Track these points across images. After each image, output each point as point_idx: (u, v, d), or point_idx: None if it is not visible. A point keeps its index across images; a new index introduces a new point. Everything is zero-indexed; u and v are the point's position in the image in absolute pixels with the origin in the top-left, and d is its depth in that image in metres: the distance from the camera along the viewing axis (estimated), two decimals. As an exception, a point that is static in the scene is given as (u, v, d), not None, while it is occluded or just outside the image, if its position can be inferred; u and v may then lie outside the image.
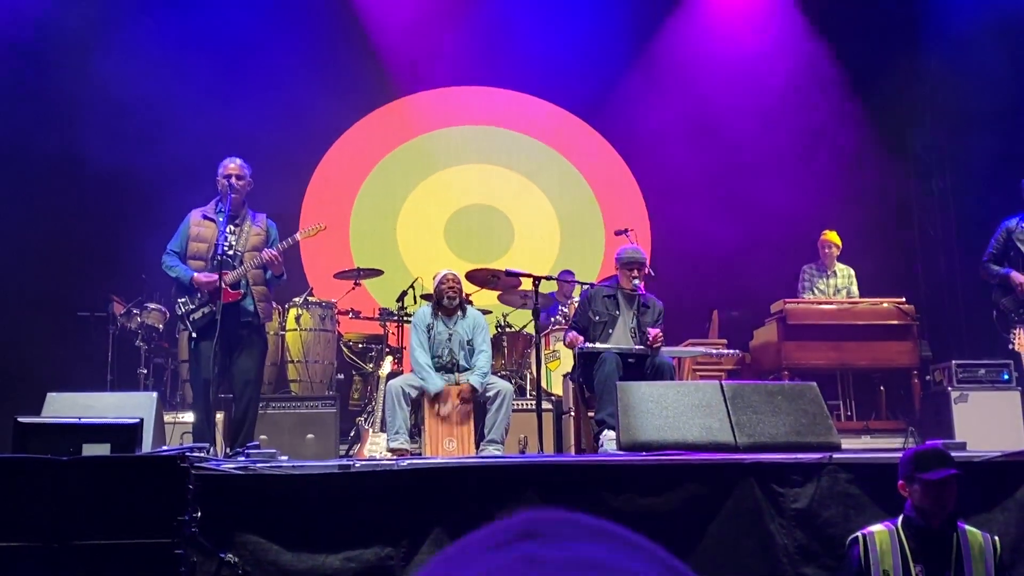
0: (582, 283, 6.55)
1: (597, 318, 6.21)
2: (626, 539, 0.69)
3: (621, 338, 6.17)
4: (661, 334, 6.03)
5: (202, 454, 4.24)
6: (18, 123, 8.53)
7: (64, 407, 5.03)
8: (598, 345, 6.05)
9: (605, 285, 6.44)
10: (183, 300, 5.85)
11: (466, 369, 6.33)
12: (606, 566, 0.64)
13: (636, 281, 6.21)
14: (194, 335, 5.83)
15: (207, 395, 5.73)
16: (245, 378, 5.86)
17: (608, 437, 5.49)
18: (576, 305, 7.69)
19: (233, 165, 6.02)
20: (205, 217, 5.99)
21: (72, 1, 8.91)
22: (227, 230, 5.89)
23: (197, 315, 5.80)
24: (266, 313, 6.03)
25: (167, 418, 6.45)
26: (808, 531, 4.21)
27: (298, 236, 5.97)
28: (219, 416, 6.13)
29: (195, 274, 5.80)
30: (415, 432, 6.49)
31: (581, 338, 6.15)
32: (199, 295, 5.81)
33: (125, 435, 4.02)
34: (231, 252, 5.80)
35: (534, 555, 0.64)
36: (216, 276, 5.69)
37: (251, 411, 5.93)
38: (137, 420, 4.16)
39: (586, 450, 6.12)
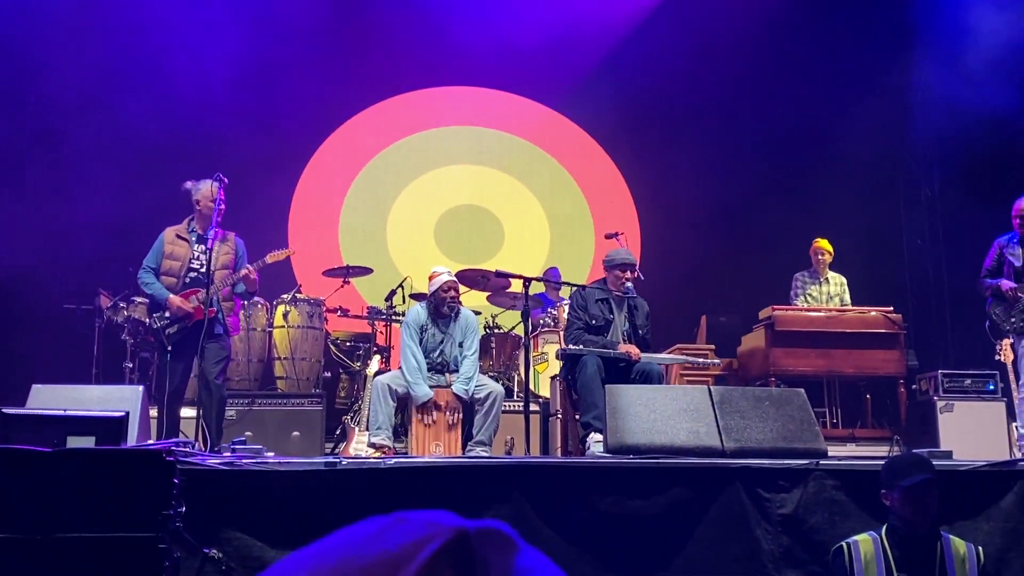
0: (571, 284, 6.50)
1: (594, 322, 6.17)
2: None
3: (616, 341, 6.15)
4: (639, 351, 6.04)
5: (188, 449, 4.22)
6: (5, 111, 8.47)
7: (49, 399, 5.00)
8: (580, 347, 6.02)
9: (595, 288, 6.36)
10: (157, 315, 6.18)
11: (457, 370, 6.29)
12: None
13: (628, 284, 6.19)
14: (169, 348, 6.13)
15: (164, 404, 6.07)
16: (213, 383, 6.06)
17: (595, 439, 5.47)
18: (566, 308, 7.69)
19: (204, 190, 6.29)
20: (179, 236, 6.30)
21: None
22: (198, 250, 6.24)
23: (172, 330, 6.13)
24: (233, 326, 6.38)
25: (152, 412, 6.42)
26: (794, 536, 4.22)
27: (267, 259, 6.28)
28: (191, 412, 6.31)
29: (171, 296, 6.12)
30: (401, 432, 6.46)
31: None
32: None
33: (110, 428, 4.01)
34: (203, 271, 6.05)
35: None
36: (187, 302, 6.09)
37: (220, 409, 6.19)
38: (123, 413, 4.14)
39: (573, 452, 6.11)
